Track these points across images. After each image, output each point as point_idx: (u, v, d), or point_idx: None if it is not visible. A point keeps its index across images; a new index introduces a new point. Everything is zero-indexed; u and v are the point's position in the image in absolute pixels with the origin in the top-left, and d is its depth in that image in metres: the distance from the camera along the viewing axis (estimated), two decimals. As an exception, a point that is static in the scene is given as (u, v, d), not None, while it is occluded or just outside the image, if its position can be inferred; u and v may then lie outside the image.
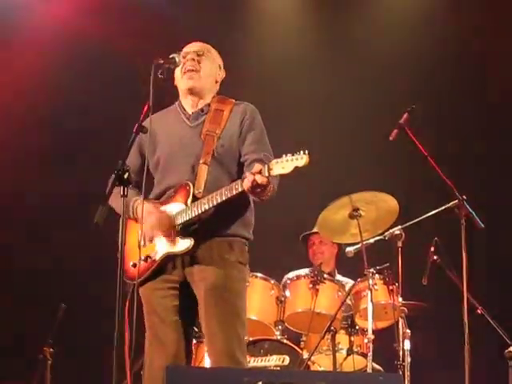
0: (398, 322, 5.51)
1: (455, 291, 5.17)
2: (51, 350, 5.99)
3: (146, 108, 3.83)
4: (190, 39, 4.35)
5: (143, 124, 3.77)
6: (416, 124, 5.30)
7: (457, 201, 5.13)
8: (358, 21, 7.86)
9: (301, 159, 3.70)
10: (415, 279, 5.56)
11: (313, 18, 8.04)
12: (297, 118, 7.67)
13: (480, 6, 7.44)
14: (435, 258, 5.59)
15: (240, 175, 4.02)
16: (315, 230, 6.29)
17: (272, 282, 5.71)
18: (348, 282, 6.02)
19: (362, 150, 7.54)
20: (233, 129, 4.15)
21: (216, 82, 4.29)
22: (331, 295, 5.70)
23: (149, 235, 4.05)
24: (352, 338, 5.73)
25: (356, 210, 5.59)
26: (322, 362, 5.67)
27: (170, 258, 4.03)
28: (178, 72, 4.20)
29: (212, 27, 7.21)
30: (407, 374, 5.42)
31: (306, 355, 5.47)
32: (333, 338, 5.63)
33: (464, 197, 5.12)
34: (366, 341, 5.50)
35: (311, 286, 5.63)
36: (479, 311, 5.49)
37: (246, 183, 3.79)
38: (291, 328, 5.68)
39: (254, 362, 5.38)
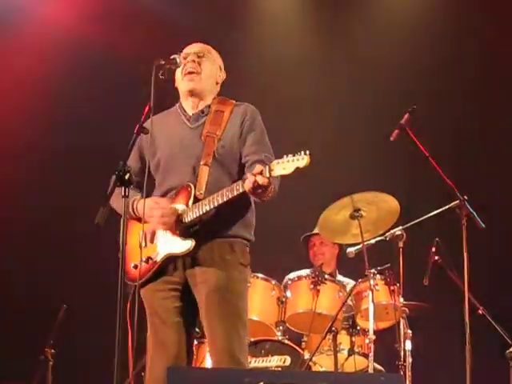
0: (399, 323, 5.52)
1: (456, 291, 5.18)
2: (52, 350, 6.00)
3: (147, 109, 3.82)
4: (190, 40, 4.34)
5: (144, 125, 3.77)
6: (417, 124, 5.30)
7: (458, 201, 5.13)
8: (358, 21, 7.85)
9: (302, 160, 3.69)
10: (416, 279, 5.56)
11: (313, 18, 8.03)
12: (297, 118, 7.66)
13: (480, 6, 7.43)
14: (436, 258, 5.60)
15: (241, 176, 4.01)
16: (316, 230, 6.28)
17: (273, 282, 5.71)
18: (349, 283, 6.02)
19: (362, 150, 7.53)
20: (233, 130, 4.14)
21: (216, 83, 4.29)
22: (332, 296, 5.70)
23: (151, 229, 4.04)
24: (353, 339, 5.74)
25: (357, 210, 5.60)
26: (323, 363, 5.67)
27: (171, 260, 4.02)
28: (178, 74, 4.20)
29: (212, 27, 7.20)
30: (408, 374, 5.43)
31: (307, 356, 5.47)
32: (334, 339, 5.64)
33: (465, 197, 5.12)
34: (367, 341, 5.51)
35: (312, 286, 5.63)
36: (480, 311, 5.50)
37: (247, 184, 3.79)
38: (292, 328, 5.68)
39: (255, 363, 5.38)
